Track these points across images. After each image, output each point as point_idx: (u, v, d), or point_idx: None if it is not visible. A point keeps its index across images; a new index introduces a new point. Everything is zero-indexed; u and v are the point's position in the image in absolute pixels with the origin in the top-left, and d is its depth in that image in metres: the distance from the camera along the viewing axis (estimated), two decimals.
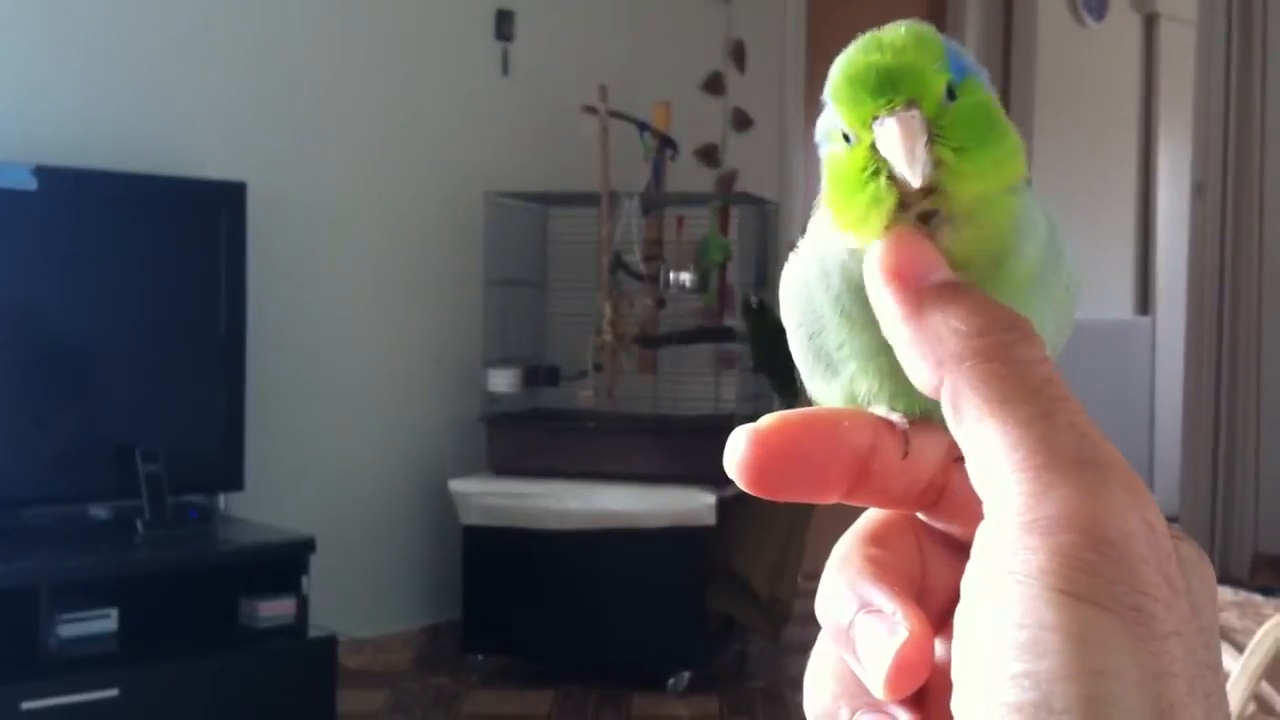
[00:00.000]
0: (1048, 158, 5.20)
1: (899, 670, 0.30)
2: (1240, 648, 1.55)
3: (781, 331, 0.36)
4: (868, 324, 0.32)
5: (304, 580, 2.82)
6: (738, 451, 0.31)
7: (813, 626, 0.32)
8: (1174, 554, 0.28)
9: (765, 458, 0.31)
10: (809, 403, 0.34)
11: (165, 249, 3.01)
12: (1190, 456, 4.56)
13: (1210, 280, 4.47)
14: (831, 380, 0.34)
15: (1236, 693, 1.50)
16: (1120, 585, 0.27)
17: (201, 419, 3.01)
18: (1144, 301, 6.14)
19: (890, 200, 0.31)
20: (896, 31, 0.32)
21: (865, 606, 0.31)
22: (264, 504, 3.11)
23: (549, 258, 3.81)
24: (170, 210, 2.99)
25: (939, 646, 0.30)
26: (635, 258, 3.62)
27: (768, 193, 4.08)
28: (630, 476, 3.34)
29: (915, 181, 0.30)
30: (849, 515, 0.34)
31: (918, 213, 0.31)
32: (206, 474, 3.00)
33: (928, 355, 0.30)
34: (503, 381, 3.53)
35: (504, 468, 3.44)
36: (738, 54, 4.15)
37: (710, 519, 3.24)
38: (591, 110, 3.63)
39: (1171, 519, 0.29)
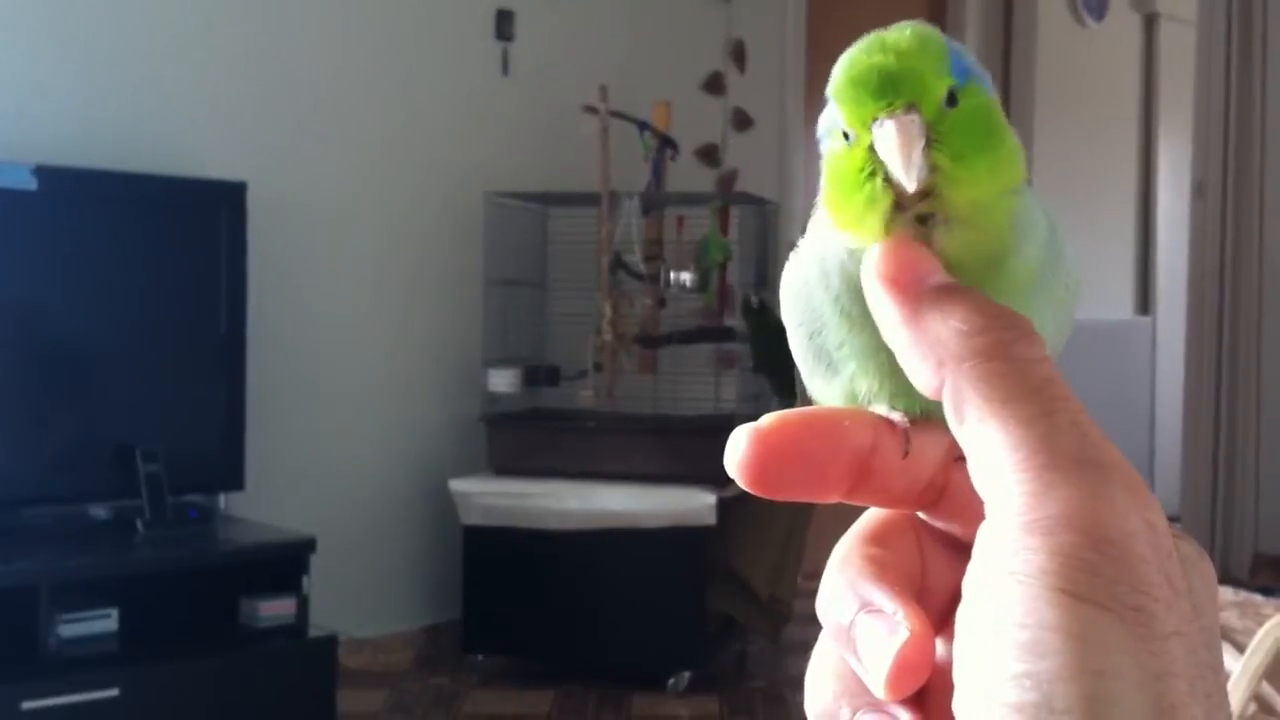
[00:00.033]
0: (1048, 158, 5.20)
1: (900, 670, 0.30)
2: (1241, 648, 1.55)
3: (781, 332, 0.36)
4: (867, 323, 0.32)
5: (304, 580, 2.82)
6: (738, 450, 0.31)
7: (813, 626, 0.32)
8: (1175, 554, 0.28)
9: (766, 457, 0.31)
10: (809, 403, 0.34)
11: (165, 249, 3.01)
12: (1190, 456, 4.56)
13: (1210, 280, 4.47)
14: (832, 379, 0.34)
15: (1237, 693, 1.50)
16: (1121, 585, 0.27)
17: (202, 419, 3.01)
18: (1144, 301, 6.14)
19: (886, 202, 0.31)
20: (901, 33, 0.32)
21: (866, 606, 0.31)
22: (264, 504, 3.11)
23: (549, 258, 3.81)
24: (170, 210, 2.99)
25: (940, 646, 0.30)
26: (635, 258, 3.62)
27: (768, 193, 4.08)
28: (630, 476, 3.34)
29: (910, 187, 0.31)
30: (849, 515, 0.34)
31: (914, 214, 0.31)
32: (207, 474, 3.00)
33: (928, 357, 0.30)
34: (503, 381, 3.53)
35: (504, 468, 3.44)
36: (738, 54, 4.15)
37: (710, 519, 3.24)
38: (592, 110, 3.63)
39: (1172, 519, 0.29)
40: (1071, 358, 0.31)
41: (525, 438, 3.48)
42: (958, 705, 0.28)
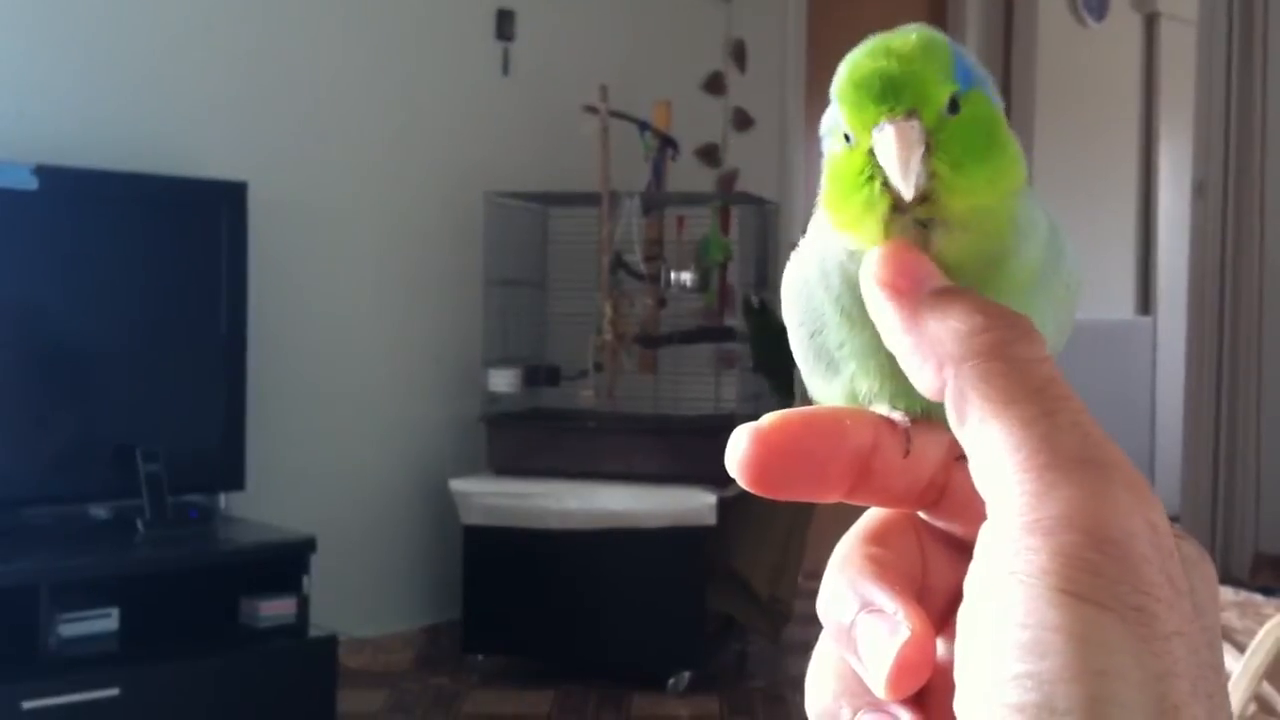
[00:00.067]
0: (1048, 158, 5.20)
1: (900, 670, 0.30)
2: (1241, 648, 1.55)
3: (782, 332, 0.36)
4: (868, 323, 0.32)
5: (304, 580, 2.82)
6: (739, 450, 0.31)
7: (813, 626, 0.32)
8: (1177, 554, 0.28)
9: (767, 456, 0.31)
10: (808, 403, 0.34)
11: (166, 249, 3.01)
12: (1191, 456, 4.56)
13: (1211, 280, 4.47)
14: (832, 379, 0.34)
15: (1238, 693, 1.50)
16: (1123, 585, 0.27)
17: (202, 418, 3.01)
18: (1145, 301, 6.14)
19: (884, 205, 0.31)
20: (906, 37, 0.32)
21: (867, 606, 0.31)
22: (264, 504, 3.11)
23: (549, 257, 3.81)
24: (171, 210, 2.99)
25: (940, 646, 0.30)
26: (636, 257, 3.62)
27: (768, 192, 4.08)
28: (631, 476, 3.34)
29: (907, 194, 0.31)
30: (850, 515, 0.34)
31: (913, 217, 0.31)
32: (207, 473, 3.00)
33: (929, 359, 0.30)
34: (503, 381, 3.53)
35: (504, 468, 3.44)
36: (738, 54, 4.15)
37: (710, 519, 3.24)
38: (592, 110, 3.63)
39: (1172, 519, 0.29)
40: (1072, 358, 0.31)
41: (525, 438, 3.48)
42: (959, 705, 0.28)
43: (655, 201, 3.69)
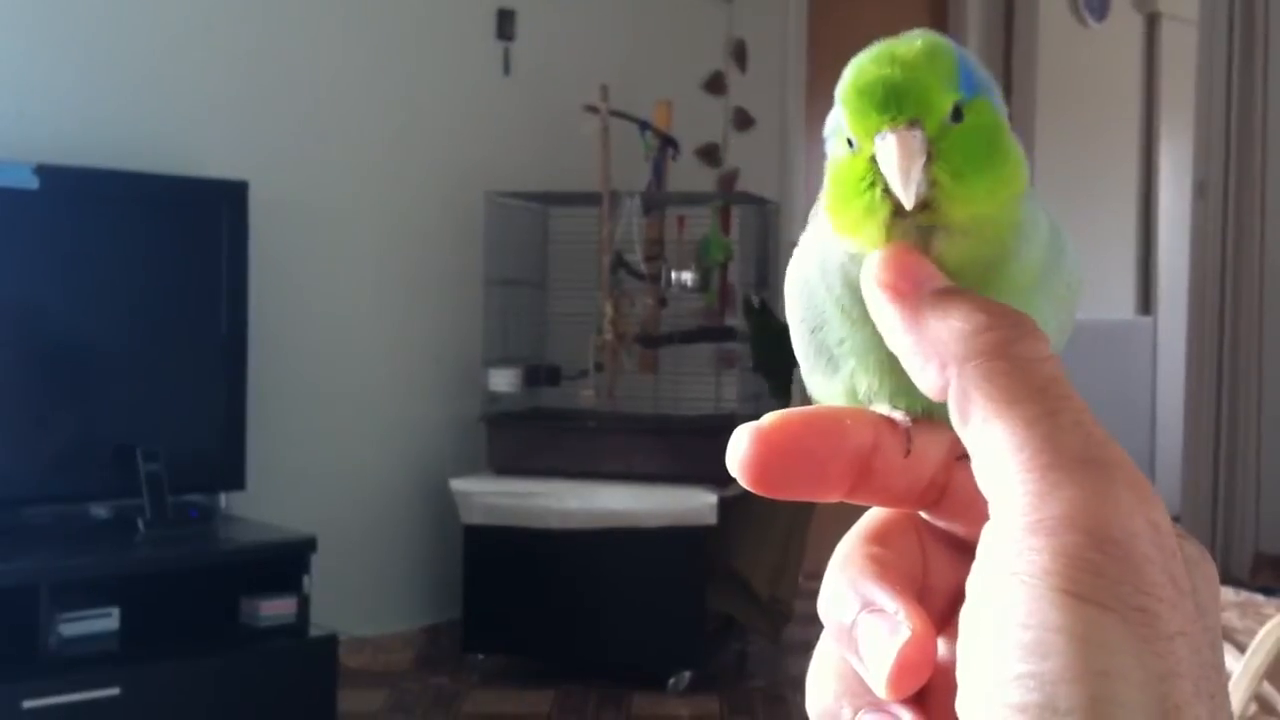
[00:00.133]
0: (1049, 158, 5.20)
1: (901, 670, 0.29)
2: (1242, 648, 1.55)
3: (782, 333, 0.36)
4: (868, 321, 0.33)
5: (305, 579, 2.82)
6: (740, 449, 0.31)
7: (814, 626, 0.32)
8: (1179, 553, 0.28)
9: (767, 455, 0.31)
10: (808, 403, 0.34)
11: (167, 248, 3.01)
12: (1191, 456, 4.56)
13: (1212, 280, 4.47)
14: (833, 375, 0.34)
15: (1238, 693, 1.50)
16: (1125, 586, 0.27)
17: (202, 418, 3.01)
18: (1145, 301, 6.14)
19: (884, 211, 0.31)
20: (911, 44, 0.32)
21: (867, 606, 0.31)
22: (265, 503, 3.11)
23: (550, 257, 3.81)
24: (172, 209, 2.99)
25: (941, 646, 0.30)
26: (636, 257, 3.62)
27: (769, 192, 4.08)
28: (631, 476, 3.34)
29: (908, 203, 0.31)
30: (850, 515, 0.34)
31: (914, 224, 0.32)
32: (207, 473, 3.00)
33: (931, 359, 0.30)
34: (503, 381, 3.53)
35: (504, 467, 3.44)
36: (739, 53, 4.15)
37: (711, 519, 3.24)
38: (593, 109, 3.63)
39: (1173, 519, 0.29)
40: (1072, 358, 0.31)
41: (526, 437, 3.48)
42: (960, 705, 0.28)
43: (656, 201, 3.69)
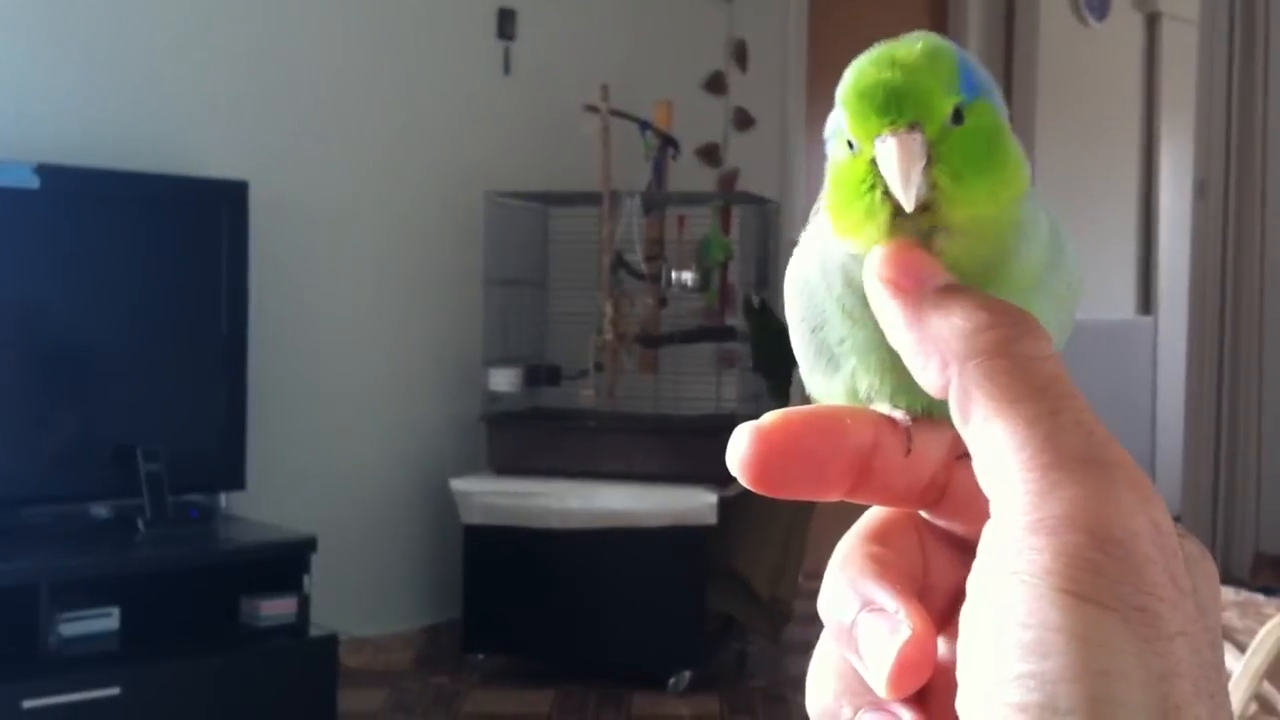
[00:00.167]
0: (1050, 157, 5.20)
1: (901, 669, 0.29)
2: (1242, 647, 1.55)
3: (782, 333, 0.36)
4: (869, 321, 0.33)
5: (305, 579, 2.82)
6: (740, 448, 0.31)
7: (814, 626, 0.32)
8: (1180, 553, 0.28)
9: (768, 454, 0.31)
10: (808, 402, 0.34)
11: (167, 248, 3.01)
12: (1192, 456, 4.56)
13: (1212, 280, 4.47)
14: (833, 375, 0.34)
15: (1238, 693, 1.50)
16: (1126, 585, 0.27)
17: (203, 418, 3.01)
18: (1146, 301, 6.14)
19: (884, 214, 0.32)
20: (911, 47, 0.32)
21: (868, 605, 0.31)
22: (265, 503, 3.11)
23: (550, 257, 3.81)
24: (172, 209, 2.99)
25: (942, 645, 0.30)
26: (636, 257, 3.62)
27: (769, 192, 4.08)
28: (631, 476, 3.34)
29: (908, 206, 0.31)
30: (850, 515, 0.34)
31: (914, 226, 0.32)
32: (207, 473, 3.00)
33: (932, 356, 0.30)
34: (503, 381, 3.53)
35: (505, 467, 3.44)
36: (739, 53, 4.15)
37: (711, 518, 3.24)
38: (593, 109, 3.63)
39: (1173, 518, 0.29)
40: (1073, 357, 0.31)
41: (526, 437, 3.48)
42: (961, 704, 0.28)
43: (656, 201, 3.69)
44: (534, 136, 3.88)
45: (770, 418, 0.31)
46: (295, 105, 3.42)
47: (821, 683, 0.32)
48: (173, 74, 3.19)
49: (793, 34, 4.74)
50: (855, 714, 0.31)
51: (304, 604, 2.83)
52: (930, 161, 0.31)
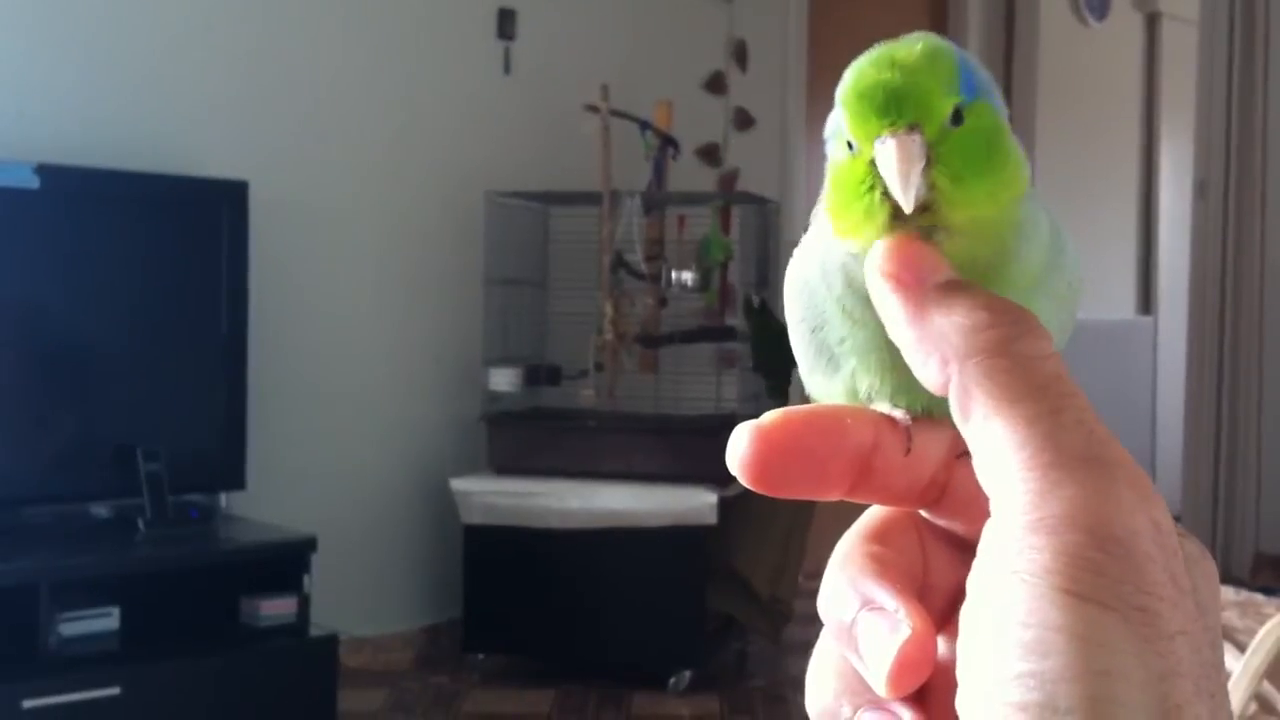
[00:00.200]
0: (1050, 157, 5.20)
1: (901, 668, 0.29)
2: (1242, 647, 1.55)
3: (782, 332, 0.36)
4: (869, 321, 0.33)
5: (305, 579, 2.82)
6: (740, 447, 0.31)
7: (814, 626, 0.32)
8: (1180, 552, 0.28)
9: (768, 453, 0.31)
10: (807, 401, 0.34)
11: (167, 248, 3.01)
12: (1192, 456, 4.56)
13: (1212, 280, 4.47)
14: (833, 375, 0.34)
15: (1238, 692, 1.50)
16: (1126, 585, 0.27)
17: (203, 418, 3.01)
18: (1146, 301, 6.14)
19: (883, 214, 0.32)
20: (911, 48, 0.32)
21: (867, 604, 0.31)
22: (265, 503, 3.11)
23: (550, 257, 3.81)
24: (172, 209, 2.99)
25: (942, 644, 0.30)
26: (636, 257, 3.62)
27: (769, 192, 4.08)
28: (631, 476, 3.34)
29: (907, 207, 0.31)
30: (850, 515, 0.34)
31: (913, 226, 0.32)
32: (208, 473, 3.00)
33: (933, 353, 0.30)
34: (504, 381, 3.53)
35: (505, 467, 3.44)
36: (739, 53, 4.15)
37: (711, 518, 3.24)
38: (593, 109, 3.63)
39: (1173, 518, 0.29)
40: (1073, 357, 0.31)
41: (526, 437, 3.48)
42: (961, 703, 0.28)
43: (656, 201, 3.69)
44: (534, 136, 3.88)
45: (770, 417, 0.31)
46: (295, 105, 3.42)
47: (821, 682, 0.32)
48: (173, 74, 3.19)
49: (793, 34, 4.74)
50: (855, 713, 0.31)
51: (304, 604, 2.82)
52: (929, 163, 0.31)
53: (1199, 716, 0.26)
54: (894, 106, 0.31)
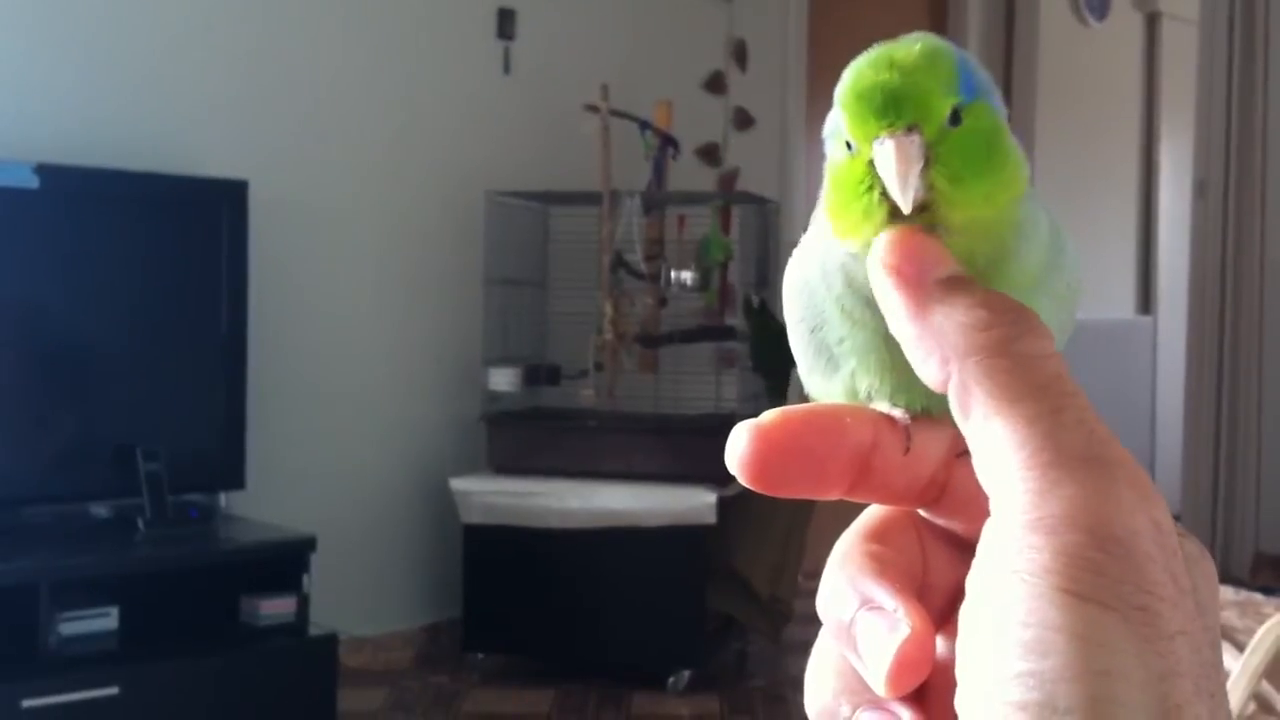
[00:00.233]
0: (1049, 157, 5.20)
1: (900, 667, 0.29)
2: (1241, 647, 1.55)
3: (781, 332, 0.36)
4: (869, 321, 0.33)
5: (305, 579, 2.82)
6: (739, 446, 0.31)
7: (813, 626, 0.32)
8: (1180, 552, 0.28)
9: (767, 452, 0.31)
10: (807, 401, 0.34)
11: (167, 247, 3.01)
12: (1191, 456, 4.56)
13: (1212, 279, 4.47)
14: (832, 375, 0.34)
15: (1237, 692, 1.50)
16: (1126, 585, 0.27)
17: (202, 418, 3.01)
18: (1145, 301, 6.14)
19: (882, 215, 0.32)
20: (910, 48, 0.32)
21: (866, 603, 0.31)
22: (265, 503, 3.11)
23: (550, 257, 3.81)
24: (172, 209, 2.99)
25: (941, 643, 0.30)
26: (636, 257, 3.62)
27: (769, 192, 4.08)
28: (631, 475, 3.34)
29: (905, 208, 0.31)
30: (850, 514, 0.34)
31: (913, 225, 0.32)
32: (207, 473, 3.00)
33: (934, 351, 0.30)
34: (503, 380, 3.53)
35: (504, 466, 3.44)
36: (739, 53, 4.15)
37: (711, 518, 3.24)
38: (593, 109, 3.63)
39: (1173, 518, 0.29)
40: (1072, 357, 0.31)
41: (526, 437, 3.48)
42: (960, 703, 0.27)
43: (656, 201, 3.69)
44: (534, 136, 3.88)
45: (769, 416, 0.31)
46: (295, 105, 3.42)
47: (820, 681, 0.32)
48: (173, 74, 3.19)
49: (793, 34, 4.74)
50: (854, 712, 0.31)
51: (304, 604, 2.83)
52: (928, 163, 0.31)
53: (1199, 716, 0.26)
54: (893, 107, 0.31)
